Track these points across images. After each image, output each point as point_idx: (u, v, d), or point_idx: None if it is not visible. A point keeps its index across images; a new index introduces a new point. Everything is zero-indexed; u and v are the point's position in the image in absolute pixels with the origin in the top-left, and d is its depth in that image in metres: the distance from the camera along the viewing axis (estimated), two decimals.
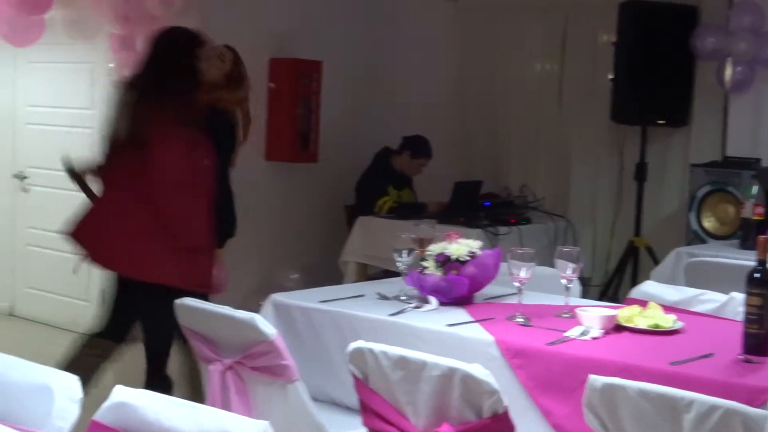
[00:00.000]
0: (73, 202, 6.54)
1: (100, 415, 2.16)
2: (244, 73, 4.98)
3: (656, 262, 6.14)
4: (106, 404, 2.17)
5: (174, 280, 4.27)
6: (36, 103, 7.35)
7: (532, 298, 3.55)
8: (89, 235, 4.51)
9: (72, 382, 2.36)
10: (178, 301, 3.41)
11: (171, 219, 4.37)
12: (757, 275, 2.95)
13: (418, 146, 7.09)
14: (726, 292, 3.70)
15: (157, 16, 6.09)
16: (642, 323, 3.28)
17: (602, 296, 6.49)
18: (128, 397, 2.16)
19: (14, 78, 7.46)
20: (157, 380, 4.51)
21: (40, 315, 7.23)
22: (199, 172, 4.43)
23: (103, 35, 6.17)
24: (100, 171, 4.62)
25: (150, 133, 4.36)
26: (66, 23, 5.91)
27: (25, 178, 7.38)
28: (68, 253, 6.35)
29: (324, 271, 7.03)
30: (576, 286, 3.87)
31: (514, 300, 3.51)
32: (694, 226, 6.32)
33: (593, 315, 3.27)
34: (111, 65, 6.24)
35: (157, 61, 4.56)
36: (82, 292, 6.76)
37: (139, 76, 4.60)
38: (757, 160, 6.19)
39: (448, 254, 3.69)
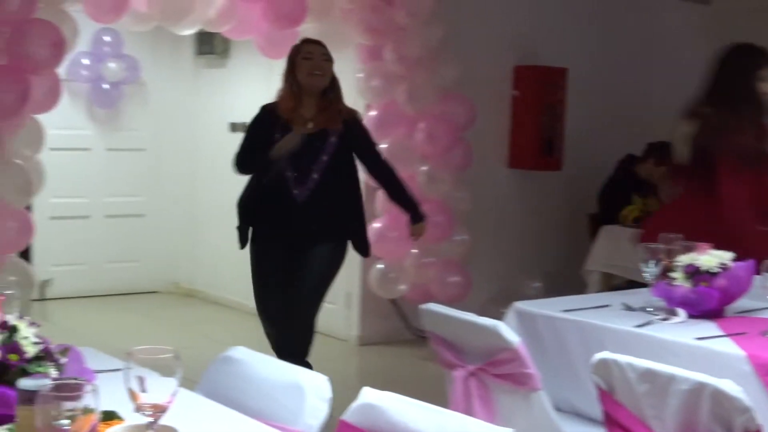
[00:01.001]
0: None
1: (349, 415, 2.23)
2: None
3: None
4: (354, 405, 2.23)
5: None
6: None
7: None
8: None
9: (322, 382, 2.45)
10: (423, 307, 3.47)
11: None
12: None
13: (663, 152, 6.90)
14: None
15: (404, 26, 6.22)
16: None
17: None
18: (375, 399, 2.22)
19: (268, 88, 7.78)
20: None
21: None
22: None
23: (352, 47, 6.35)
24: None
25: (716, 164, 4.50)
26: (318, 35, 6.12)
27: None
28: None
29: (565, 280, 6.96)
30: None
31: None
32: None
33: None
34: (359, 75, 6.41)
35: (723, 83, 4.68)
36: (330, 295, 6.97)
37: (707, 97, 4.73)
38: None
39: (697, 265, 3.58)
